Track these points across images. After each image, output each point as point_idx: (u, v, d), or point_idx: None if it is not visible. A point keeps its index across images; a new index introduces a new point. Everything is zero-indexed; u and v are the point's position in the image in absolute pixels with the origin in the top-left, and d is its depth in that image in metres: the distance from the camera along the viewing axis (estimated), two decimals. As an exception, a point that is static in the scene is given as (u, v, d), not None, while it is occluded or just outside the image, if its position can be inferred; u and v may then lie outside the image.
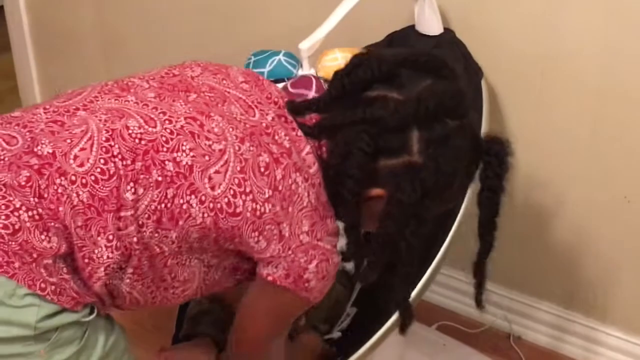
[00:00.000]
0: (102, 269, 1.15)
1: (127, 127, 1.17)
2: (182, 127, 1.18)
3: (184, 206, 1.16)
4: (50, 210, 1.11)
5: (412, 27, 1.79)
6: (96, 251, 1.14)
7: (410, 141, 1.22)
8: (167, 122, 1.19)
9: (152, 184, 1.15)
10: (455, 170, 1.25)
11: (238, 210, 1.18)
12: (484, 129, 1.67)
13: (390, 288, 1.34)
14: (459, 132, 1.24)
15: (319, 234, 1.24)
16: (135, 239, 1.16)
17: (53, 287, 1.11)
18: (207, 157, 1.17)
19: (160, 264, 1.20)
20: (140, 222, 1.15)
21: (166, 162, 1.16)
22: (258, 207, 1.19)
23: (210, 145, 1.18)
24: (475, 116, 1.67)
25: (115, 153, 1.15)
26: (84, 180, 1.13)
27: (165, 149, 1.16)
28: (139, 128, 1.17)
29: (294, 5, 2.10)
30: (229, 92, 1.28)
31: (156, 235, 1.17)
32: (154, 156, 1.16)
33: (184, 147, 1.17)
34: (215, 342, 1.53)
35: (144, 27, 2.46)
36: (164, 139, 1.17)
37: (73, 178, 1.13)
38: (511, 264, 2.08)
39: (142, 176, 1.15)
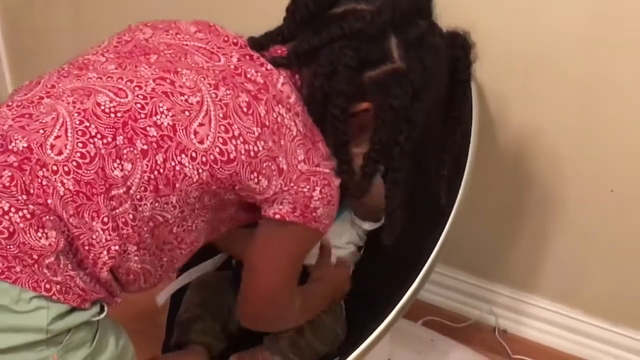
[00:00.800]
0: (105, 252, 1.13)
1: (98, 104, 1.15)
2: (153, 89, 1.17)
3: (177, 167, 1.14)
4: (40, 205, 1.09)
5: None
6: (94, 236, 1.12)
7: (390, 49, 1.23)
8: (137, 88, 1.17)
9: (138, 155, 1.13)
10: (438, 67, 1.27)
11: (232, 156, 1.17)
12: (474, 126, 1.66)
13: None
14: (430, 31, 1.27)
15: (315, 159, 1.23)
16: (131, 216, 1.14)
17: (58, 286, 1.09)
18: (187, 113, 1.16)
19: (164, 232, 1.19)
20: (138, 197, 1.13)
21: (148, 129, 1.14)
22: (251, 147, 1.18)
23: (186, 100, 1.16)
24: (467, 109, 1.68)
25: (93, 133, 1.12)
26: (65, 168, 1.11)
27: (143, 116, 1.14)
28: (111, 102, 1.15)
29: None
30: (187, 45, 1.26)
31: (157, 205, 1.15)
32: (133, 126, 1.14)
33: (161, 109, 1.15)
34: (207, 350, 1.50)
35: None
36: (138, 106, 1.15)
37: (54, 168, 1.10)
38: (496, 257, 2.09)
39: (126, 150, 1.13)
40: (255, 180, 1.20)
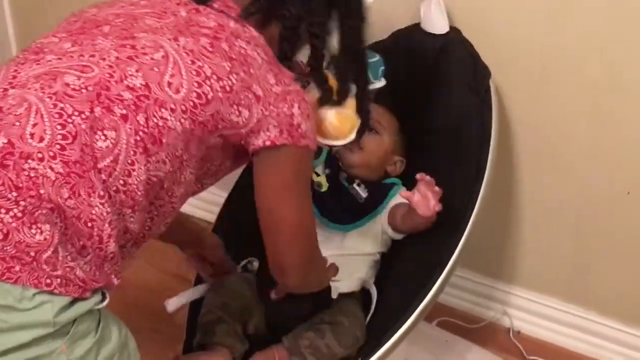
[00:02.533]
0: (107, 225, 1.14)
1: (67, 84, 1.15)
2: (117, 57, 1.18)
3: (160, 123, 1.16)
4: (32, 198, 1.08)
5: (418, 25, 1.78)
6: (94, 211, 1.13)
7: None
8: (101, 61, 1.18)
9: (119, 121, 1.14)
10: None
11: (210, 96, 1.20)
12: (494, 128, 1.67)
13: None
14: None
15: (285, 80, 1.28)
16: (121, 182, 1.15)
17: (59, 280, 1.10)
18: (155, 69, 1.18)
19: (156, 189, 1.21)
20: (129, 162, 1.15)
21: (122, 93, 1.15)
22: (225, 82, 1.21)
23: (152, 58, 1.19)
24: (486, 113, 1.69)
25: (69, 112, 1.13)
26: (51, 153, 1.10)
27: (114, 83, 1.16)
28: (79, 79, 1.16)
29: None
30: (134, 12, 1.28)
31: (150, 166, 1.17)
32: (107, 95, 1.15)
33: (130, 72, 1.17)
34: (230, 352, 1.51)
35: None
36: (107, 75, 1.16)
37: (40, 155, 1.10)
38: (510, 259, 2.10)
39: (106, 120, 1.14)
40: (237, 113, 1.23)
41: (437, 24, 1.75)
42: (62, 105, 1.13)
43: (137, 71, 1.17)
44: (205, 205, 2.39)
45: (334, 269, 1.58)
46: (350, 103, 1.47)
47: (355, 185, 1.70)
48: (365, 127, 1.46)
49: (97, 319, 1.16)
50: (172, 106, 1.17)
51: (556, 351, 2.06)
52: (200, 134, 1.21)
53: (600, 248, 1.95)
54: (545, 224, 1.99)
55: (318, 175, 1.71)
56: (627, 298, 1.98)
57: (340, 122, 1.45)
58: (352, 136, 1.48)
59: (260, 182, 1.31)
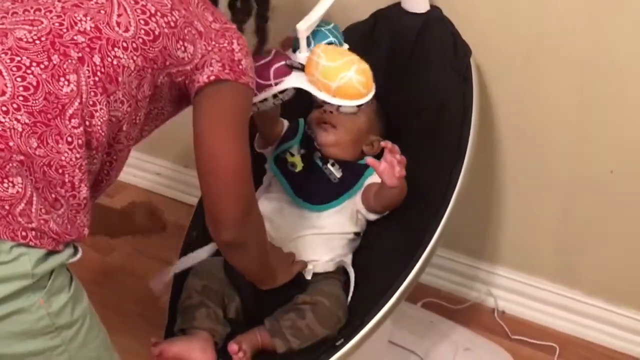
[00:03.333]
0: (77, 170, 1.19)
1: (20, 39, 1.18)
2: (62, 7, 1.23)
3: (114, 62, 1.22)
4: (2, 152, 1.12)
5: (398, 4, 1.77)
6: (63, 157, 1.18)
7: None
8: (47, 13, 1.23)
9: (77, 64, 1.19)
10: None
11: (157, 32, 1.26)
12: (475, 107, 1.67)
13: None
14: None
15: (221, 18, 1.36)
16: (87, 123, 1.20)
17: (33, 232, 1.14)
18: (102, 12, 1.24)
19: (115, 130, 1.26)
20: (91, 103, 1.20)
21: (75, 38, 1.21)
22: (169, 18, 1.28)
23: (97, 2, 1.25)
24: (467, 92, 1.68)
25: (27, 64, 1.16)
26: (14, 105, 1.14)
27: (65, 30, 1.21)
28: (30, 32, 1.19)
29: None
30: None
31: (109, 105, 1.22)
32: (61, 42, 1.20)
33: (78, 18, 1.22)
34: (212, 335, 1.51)
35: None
36: (57, 25, 1.21)
37: (4, 109, 1.13)
38: (495, 239, 2.10)
39: (65, 65, 1.18)
40: (182, 48, 1.30)
41: (417, 3, 1.74)
42: (19, 58, 1.17)
43: (84, 16, 1.23)
44: (190, 190, 2.39)
45: (301, 264, 1.60)
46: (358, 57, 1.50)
47: (329, 166, 1.69)
48: (261, 47, 1.51)
49: (69, 277, 1.22)
50: (124, 44, 1.24)
51: (541, 331, 2.06)
52: (151, 72, 1.28)
53: (584, 227, 1.95)
54: (529, 203, 1.99)
55: (293, 155, 1.70)
56: (612, 277, 1.98)
57: (365, 76, 1.49)
58: (374, 87, 1.51)
59: (200, 122, 1.33)
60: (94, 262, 2.32)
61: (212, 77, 1.31)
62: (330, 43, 1.57)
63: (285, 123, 1.75)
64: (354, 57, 1.50)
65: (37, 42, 1.19)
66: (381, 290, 1.52)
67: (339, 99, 1.49)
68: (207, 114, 1.33)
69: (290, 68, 1.52)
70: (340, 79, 1.48)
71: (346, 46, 1.60)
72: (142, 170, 2.55)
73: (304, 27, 1.48)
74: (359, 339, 1.47)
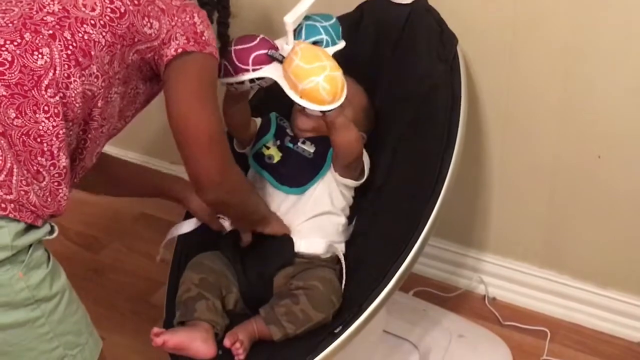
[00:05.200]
0: (55, 138, 1.27)
1: None
2: None
3: (85, 37, 1.31)
4: None
5: (383, -5, 1.79)
6: (41, 127, 1.26)
7: None
8: (18, 2, 1.32)
9: (49, 39, 1.28)
10: None
11: (122, 10, 1.35)
12: (463, 94, 1.68)
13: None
14: None
15: None
16: (61, 94, 1.28)
17: (12, 204, 1.21)
18: None
19: (91, 106, 1.34)
20: (66, 75, 1.28)
21: (44, 18, 1.30)
22: None
23: None
24: (454, 80, 1.69)
25: (1, 43, 1.26)
26: None
27: (35, 12, 1.30)
28: (3, 19, 1.29)
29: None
30: None
31: (83, 78, 1.30)
32: (32, 22, 1.29)
33: (47, 2, 1.32)
34: (212, 326, 1.52)
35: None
36: (27, 9, 1.31)
37: None
38: (483, 226, 2.12)
39: (37, 40, 1.27)
40: (149, 25, 1.38)
41: (403, -6, 1.76)
42: None
43: (52, 0, 1.32)
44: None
45: (282, 227, 1.65)
46: (334, 64, 1.51)
47: (300, 144, 1.70)
48: (223, 51, 1.55)
49: (47, 254, 1.29)
50: (92, 22, 1.32)
51: (532, 316, 2.08)
52: (120, 48, 1.35)
53: (572, 212, 1.97)
54: (517, 189, 2.01)
55: (269, 148, 1.71)
56: (600, 261, 2.00)
57: (332, 84, 1.49)
58: (344, 96, 1.52)
59: (171, 94, 1.41)
60: (85, 260, 2.33)
61: (179, 50, 1.39)
62: (317, 42, 1.58)
63: (258, 122, 1.76)
64: (329, 64, 1.51)
65: (10, 25, 1.28)
66: (377, 278, 1.53)
67: (304, 100, 1.51)
68: (177, 85, 1.41)
69: (271, 59, 1.55)
70: (309, 82, 1.49)
71: (342, 44, 1.62)
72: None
73: (290, 20, 1.49)
74: (358, 326, 1.48)
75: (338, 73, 1.51)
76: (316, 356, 1.45)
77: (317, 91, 1.49)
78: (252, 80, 1.57)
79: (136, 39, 1.37)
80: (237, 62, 1.55)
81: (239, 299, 1.61)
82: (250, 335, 1.52)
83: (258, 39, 1.57)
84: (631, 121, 1.78)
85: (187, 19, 1.41)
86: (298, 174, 1.68)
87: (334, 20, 1.65)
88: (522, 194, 2.01)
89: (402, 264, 1.54)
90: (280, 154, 1.71)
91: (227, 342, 1.49)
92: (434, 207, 1.59)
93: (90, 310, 2.18)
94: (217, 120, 1.43)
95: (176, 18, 1.40)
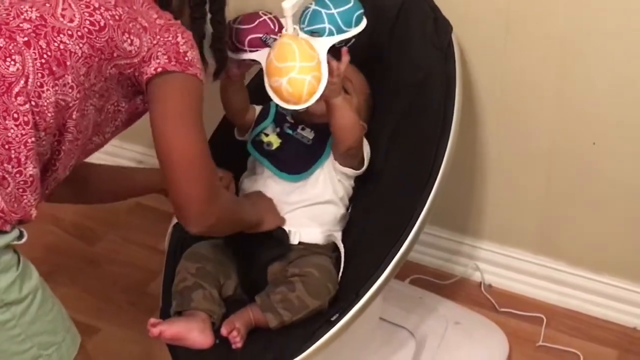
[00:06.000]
0: (22, 146, 1.26)
1: None
2: (10, 2, 1.31)
3: (61, 47, 1.29)
4: None
5: (377, -17, 1.78)
6: (9, 134, 1.25)
7: None
8: None
9: (23, 47, 1.27)
10: None
11: (102, 24, 1.32)
12: (458, 82, 1.68)
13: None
14: None
15: (166, 16, 1.41)
16: (33, 103, 1.26)
17: None
18: (47, 5, 1.31)
19: (65, 117, 1.32)
20: (38, 84, 1.27)
21: (21, 25, 1.28)
22: (114, 12, 1.34)
23: None
24: (449, 67, 1.69)
25: None
26: None
27: (12, 18, 1.29)
28: None
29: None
30: None
31: (57, 88, 1.28)
32: (7, 27, 1.28)
33: (24, 9, 1.30)
34: (209, 316, 1.52)
35: None
36: (4, 15, 1.30)
37: None
38: (479, 213, 2.12)
39: (11, 46, 1.26)
40: (129, 41, 1.35)
41: (396, -19, 1.75)
42: None
43: (31, 7, 1.30)
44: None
45: (276, 220, 1.63)
46: (317, 66, 1.50)
47: (299, 130, 1.70)
48: (220, 69, 1.54)
49: (17, 257, 1.28)
50: (70, 32, 1.30)
51: (528, 302, 2.08)
52: (97, 61, 1.33)
53: (568, 199, 1.98)
54: (513, 176, 2.01)
55: (267, 135, 1.71)
56: (595, 247, 2.01)
57: (295, 88, 1.49)
58: (312, 100, 1.51)
59: (152, 114, 1.38)
60: (80, 251, 2.33)
61: (159, 69, 1.36)
62: (315, 31, 1.57)
63: (258, 109, 1.75)
64: (298, 65, 1.49)
65: None
66: (374, 265, 1.54)
67: (272, 93, 1.53)
68: (158, 106, 1.38)
69: (264, 44, 1.56)
70: (275, 81, 1.51)
71: (353, 31, 1.57)
72: (122, 158, 2.53)
73: (288, 6, 1.48)
74: (354, 313, 1.49)
75: (306, 77, 1.49)
76: (313, 343, 1.46)
77: (281, 92, 1.51)
78: (248, 59, 1.59)
79: (115, 54, 1.35)
80: (235, 41, 1.57)
81: (238, 285, 1.61)
82: (246, 323, 1.52)
83: (258, 20, 1.58)
84: (626, 108, 1.79)
85: (170, 38, 1.37)
86: (297, 160, 1.68)
87: (350, 4, 1.57)
88: (518, 181, 2.02)
89: (398, 251, 1.54)
90: (280, 141, 1.70)
91: (224, 331, 1.49)
92: (430, 195, 1.59)
93: (86, 301, 2.19)
94: (199, 145, 1.39)
95: (158, 37, 1.37)
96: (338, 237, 1.66)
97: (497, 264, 2.14)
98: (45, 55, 1.28)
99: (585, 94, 1.81)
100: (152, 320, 1.49)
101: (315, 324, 1.49)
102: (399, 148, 1.71)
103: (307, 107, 1.54)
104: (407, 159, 1.69)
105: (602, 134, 1.84)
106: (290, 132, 1.71)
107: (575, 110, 1.84)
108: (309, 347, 1.46)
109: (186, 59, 1.37)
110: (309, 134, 1.69)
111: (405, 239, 1.55)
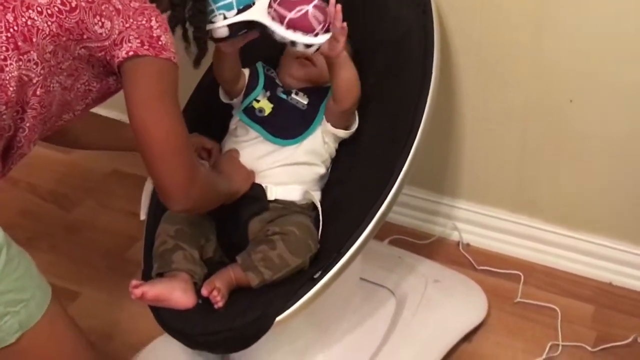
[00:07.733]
0: None
1: None
2: None
3: (29, 22, 1.28)
4: None
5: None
6: None
7: None
8: None
9: None
10: None
11: (74, 4, 1.31)
12: (436, 38, 1.68)
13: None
14: None
15: None
16: None
17: None
18: None
19: (29, 93, 1.31)
20: (2, 57, 1.26)
21: None
22: None
23: None
24: (428, 25, 1.69)
25: None
26: None
27: None
28: None
29: None
30: None
31: (21, 63, 1.28)
32: None
33: None
34: (190, 276, 1.52)
35: None
36: None
37: None
38: (455, 173, 2.13)
39: None
40: (100, 24, 1.33)
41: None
42: None
43: None
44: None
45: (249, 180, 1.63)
46: None
47: (294, 95, 1.70)
48: (201, 57, 1.49)
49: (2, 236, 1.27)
50: (39, 9, 1.29)
51: (505, 260, 2.11)
52: (65, 40, 1.32)
53: (544, 157, 2.00)
54: (488, 135, 2.02)
55: (259, 101, 1.70)
56: (571, 204, 2.03)
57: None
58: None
59: (128, 100, 1.36)
60: (58, 218, 2.32)
61: (130, 53, 1.34)
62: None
63: (247, 72, 1.74)
64: None
65: None
66: (355, 223, 1.54)
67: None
68: (131, 90, 1.36)
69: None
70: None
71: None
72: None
73: None
74: (337, 271, 1.50)
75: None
76: (297, 301, 1.47)
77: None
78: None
79: (85, 36, 1.33)
80: None
81: (218, 247, 1.61)
82: (228, 283, 1.52)
83: None
84: (602, 64, 1.80)
85: (144, 22, 1.35)
86: (291, 125, 1.67)
87: None
88: (494, 140, 2.03)
89: (378, 210, 1.55)
90: (272, 105, 1.69)
91: (204, 291, 1.49)
92: (409, 154, 1.60)
93: (66, 267, 2.18)
94: (175, 128, 1.38)
95: (131, 20, 1.35)
96: (316, 196, 1.66)
97: (475, 223, 2.16)
98: (11, 30, 1.27)
99: (562, 51, 1.82)
100: (134, 282, 1.49)
101: (297, 282, 1.50)
102: (378, 107, 1.70)
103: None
104: (386, 118, 1.69)
105: (579, 90, 1.85)
106: (284, 96, 1.70)
107: (552, 67, 1.85)
108: (293, 304, 1.47)
109: (160, 43, 1.35)
110: (303, 98, 1.69)
111: (385, 198, 1.56)
